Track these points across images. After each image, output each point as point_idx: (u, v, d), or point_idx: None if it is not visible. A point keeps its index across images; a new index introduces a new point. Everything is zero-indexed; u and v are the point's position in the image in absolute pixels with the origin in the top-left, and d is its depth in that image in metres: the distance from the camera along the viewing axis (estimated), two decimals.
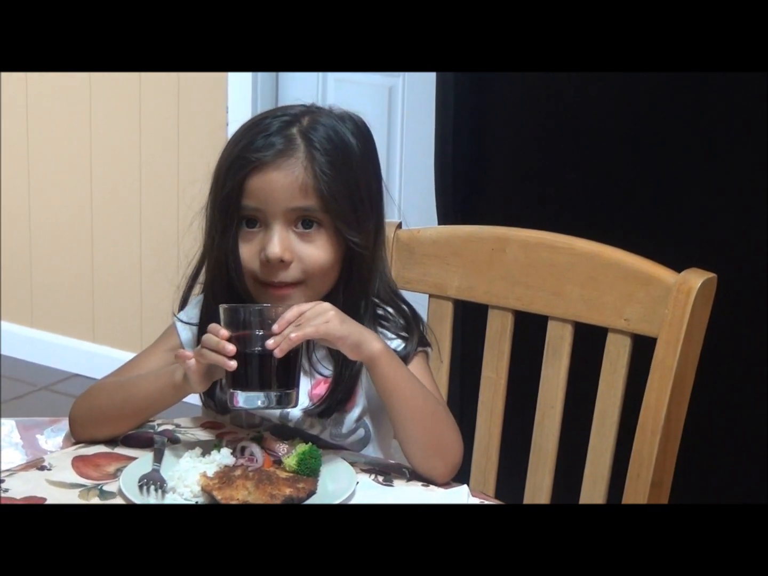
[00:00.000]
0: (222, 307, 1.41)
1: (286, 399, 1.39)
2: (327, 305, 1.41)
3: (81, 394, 1.56)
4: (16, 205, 3.74)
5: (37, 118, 3.66)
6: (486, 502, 1.39)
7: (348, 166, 1.47)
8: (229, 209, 1.46)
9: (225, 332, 1.38)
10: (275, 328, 1.37)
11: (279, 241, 1.44)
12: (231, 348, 1.37)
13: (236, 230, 1.47)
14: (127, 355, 1.63)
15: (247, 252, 1.47)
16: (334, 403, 1.51)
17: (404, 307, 1.56)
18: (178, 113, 3.43)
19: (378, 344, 1.43)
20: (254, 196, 1.45)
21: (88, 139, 3.59)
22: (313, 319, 1.39)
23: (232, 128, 1.54)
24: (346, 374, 1.51)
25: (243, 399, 1.39)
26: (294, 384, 1.40)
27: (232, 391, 1.39)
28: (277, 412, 1.53)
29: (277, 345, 1.36)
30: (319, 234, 1.46)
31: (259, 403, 1.39)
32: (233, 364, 1.36)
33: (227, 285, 1.48)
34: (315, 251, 1.46)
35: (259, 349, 1.37)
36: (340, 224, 1.45)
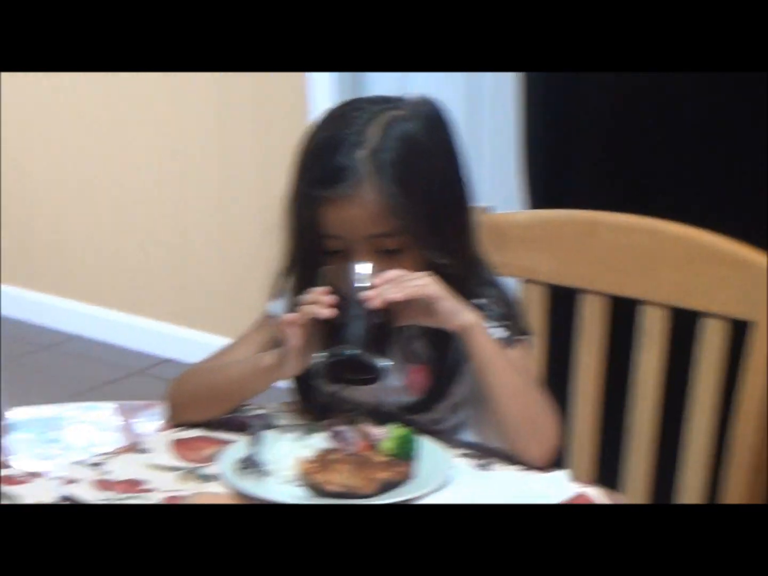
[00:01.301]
0: (320, 271, 1.43)
1: (376, 369, 1.37)
2: (425, 273, 1.42)
3: (175, 378, 1.57)
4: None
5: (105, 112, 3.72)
6: (584, 488, 1.37)
7: (422, 180, 1.44)
8: (307, 240, 1.46)
9: (323, 289, 1.40)
10: (375, 282, 1.39)
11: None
12: (329, 298, 1.38)
13: (319, 255, 1.45)
14: (219, 340, 1.63)
15: (334, 274, 1.45)
16: (435, 395, 1.51)
17: (502, 294, 1.53)
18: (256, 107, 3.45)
19: (473, 315, 1.42)
20: (330, 227, 1.43)
21: (168, 135, 3.65)
22: (414, 280, 1.40)
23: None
24: (447, 364, 1.49)
25: (336, 359, 1.37)
26: (386, 355, 1.39)
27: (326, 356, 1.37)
28: (373, 396, 1.52)
29: (374, 296, 1.37)
30: (406, 253, 1.44)
31: (354, 356, 1.36)
32: (330, 311, 1.37)
33: None
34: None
35: (357, 308, 1.39)
36: (421, 248, 1.44)
